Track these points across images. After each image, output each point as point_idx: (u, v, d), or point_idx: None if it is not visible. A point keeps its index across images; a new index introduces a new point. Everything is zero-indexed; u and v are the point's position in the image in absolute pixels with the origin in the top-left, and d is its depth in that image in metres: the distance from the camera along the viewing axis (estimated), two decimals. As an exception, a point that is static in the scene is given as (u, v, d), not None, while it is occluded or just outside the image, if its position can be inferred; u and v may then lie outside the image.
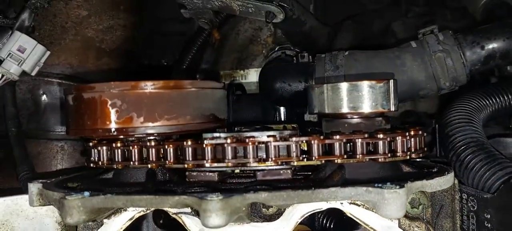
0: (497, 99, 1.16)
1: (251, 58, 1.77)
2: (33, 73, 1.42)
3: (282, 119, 1.40)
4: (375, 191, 0.76)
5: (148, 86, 0.90)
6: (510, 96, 1.13)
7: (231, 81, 1.61)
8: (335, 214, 1.10)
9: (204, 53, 1.71)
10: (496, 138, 1.19)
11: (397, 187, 0.75)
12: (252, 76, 1.75)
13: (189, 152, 0.88)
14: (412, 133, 0.88)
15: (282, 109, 1.39)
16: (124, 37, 1.69)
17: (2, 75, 1.39)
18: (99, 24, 1.64)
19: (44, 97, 1.56)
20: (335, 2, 1.74)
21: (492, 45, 1.14)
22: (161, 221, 1.02)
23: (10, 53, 1.37)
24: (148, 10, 1.90)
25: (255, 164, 0.86)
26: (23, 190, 1.18)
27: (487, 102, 1.16)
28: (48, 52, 1.43)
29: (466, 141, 1.02)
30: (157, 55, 1.95)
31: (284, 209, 0.89)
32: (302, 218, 0.88)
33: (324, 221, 1.13)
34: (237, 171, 0.94)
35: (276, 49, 1.53)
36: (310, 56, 1.34)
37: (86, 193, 0.84)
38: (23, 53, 1.38)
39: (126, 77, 1.65)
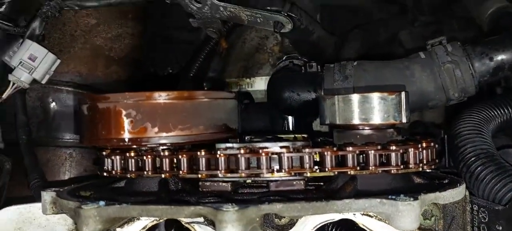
0: (506, 110, 1.17)
1: (257, 67, 1.78)
2: (44, 82, 1.43)
3: (291, 128, 1.41)
4: (389, 203, 0.77)
5: (163, 97, 0.91)
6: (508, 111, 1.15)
7: (239, 90, 1.62)
8: (345, 224, 1.10)
9: (211, 61, 1.72)
10: (505, 149, 1.20)
11: (411, 199, 0.76)
12: (258, 84, 1.76)
13: (202, 162, 0.89)
14: (424, 144, 0.89)
15: (290, 118, 1.40)
16: (132, 46, 1.71)
17: (13, 83, 1.40)
18: (108, 32, 1.66)
19: (53, 105, 1.58)
20: (341, 12, 1.75)
21: (501, 57, 1.14)
22: (172, 230, 1.03)
23: (21, 62, 1.38)
24: (156, 18, 1.92)
25: (268, 175, 0.87)
26: (35, 198, 1.19)
27: (496, 113, 1.17)
28: (59, 61, 1.44)
29: (476, 152, 1.03)
30: (164, 64, 1.97)
31: (297, 220, 0.89)
32: (315, 229, 0.89)
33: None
34: (249, 181, 0.95)
35: (283, 58, 1.54)
36: (319, 66, 1.35)
37: (102, 203, 0.85)
38: (34, 62, 1.39)
39: (134, 86, 1.67)
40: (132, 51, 1.72)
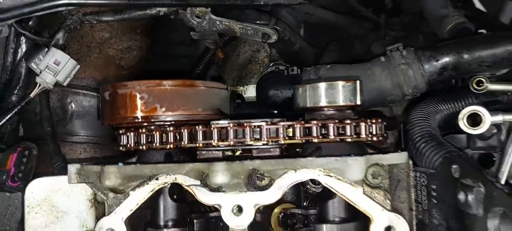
0: (452, 105, 1.42)
1: (250, 76, 2.03)
2: (65, 84, 1.67)
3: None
4: (341, 160, 1.01)
5: (169, 84, 1.16)
6: (458, 104, 1.39)
7: (233, 92, 1.87)
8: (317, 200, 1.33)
9: (209, 70, 1.97)
10: (451, 135, 1.44)
11: (358, 157, 1.00)
12: (251, 91, 2.01)
13: (200, 134, 1.13)
14: (373, 120, 1.14)
15: (275, 113, 1.64)
16: (140, 57, 1.95)
17: (39, 84, 1.65)
18: (119, 44, 1.89)
19: (71, 106, 1.80)
20: (322, 28, 2.01)
21: (445, 59, 1.39)
22: (175, 196, 1.25)
23: (47, 66, 1.62)
24: (160, 34, 2.16)
25: (251, 142, 1.11)
26: (58, 176, 1.42)
27: (443, 107, 1.41)
28: (78, 66, 1.68)
29: (421, 133, 1.27)
30: (166, 75, 2.20)
31: (274, 181, 1.13)
32: (288, 187, 1.12)
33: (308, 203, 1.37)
34: (238, 153, 1.19)
35: (270, 65, 1.80)
36: (299, 70, 1.60)
37: (120, 164, 1.09)
38: (58, 66, 1.63)
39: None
40: (140, 62, 1.95)
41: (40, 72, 1.63)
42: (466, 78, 1.44)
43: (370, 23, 2.05)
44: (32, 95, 1.64)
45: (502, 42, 1.31)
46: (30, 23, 1.69)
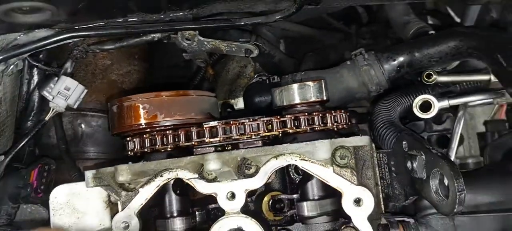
0: (409, 97, 1.65)
1: (239, 90, 2.24)
2: (75, 106, 1.88)
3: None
4: (311, 144, 1.24)
5: (166, 95, 1.40)
6: (416, 96, 1.62)
7: (224, 102, 2.10)
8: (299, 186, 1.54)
9: (202, 86, 2.20)
10: (412, 122, 1.67)
11: (323, 140, 1.23)
12: (241, 103, 2.22)
13: (194, 134, 1.35)
14: (337, 112, 1.37)
15: (260, 117, 1.85)
16: (139, 79, 2.16)
17: (53, 109, 1.87)
18: (120, 70, 2.09)
19: (81, 126, 2.01)
20: (299, 41, 2.25)
21: (400, 58, 1.62)
22: (178, 191, 1.47)
23: (59, 92, 1.84)
24: (156, 59, 2.39)
25: (238, 137, 1.33)
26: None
27: (402, 100, 1.64)
28: (86, 90, 1.91)
29: (383, 121, 1.50)
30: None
31: (260, 168, 1.35)
32: (272, 173, 1.34)
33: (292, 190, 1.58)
34: (228, 148, 1.41)
35: (255, 76, 2.03)
36: (279, 78, 1.83)
37: (130, 163, 1.31)
38: (68, 91, 1.84)
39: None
40: (139, 83, 2.17)
41: (53, 98, 1.84)
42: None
43: (342, 34, 2.29)
44: (47, 118, 1.86)
45: (444, 40, 1.54)
46: (41, 56, 1.93)
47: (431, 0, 2.38)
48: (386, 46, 2.09)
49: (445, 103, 1.50)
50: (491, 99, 1.58)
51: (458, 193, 1.02)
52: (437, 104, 1.48)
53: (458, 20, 2.35)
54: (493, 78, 1.62)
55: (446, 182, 1.13)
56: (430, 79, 1.57)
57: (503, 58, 1.37)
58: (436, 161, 1.11)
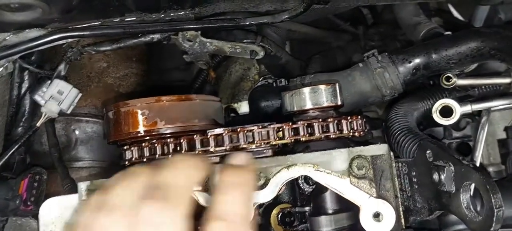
0: (426, 102, 1.55)
1: (242, 93, 2.15)
2: (69, 111, 1.78)
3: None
4: (326, 153, 1.13)
5: (167, 99, 1.28)
6: (433, 100, 1.52)
7: (227, 107, 1.99)
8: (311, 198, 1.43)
9: (203, 90, 2.09)
10: (430, 129, 1.57)
11: (341, 149, 1.12)
12: (244, 107, 2.12)
13: (197, 142, 1.24)
14: (353, 118, 1.26)
15: (267, 123, 1.75)
16: (137, 83, 2.07)
17: (45, 114, 1.76)
18: (117, 73, 2.01)
19: (75, 132, 1.91)
20: (306, 43, 2.15)
21: (417, 60, 1.52)
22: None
23: (51, 96, 1.74)
24: (154, 62, 2.29)
25: (245, 146, 1.22)
26: (69, 196, 1.52)
27: (418, 105, 1.54)
28: (80, 94, 1.80)
29: (400, 127, 1.39)
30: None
31: (270, 180, 1.23)
32: (283, 185, 1.23)
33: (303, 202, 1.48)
34: (234, 157, 1.30)
35: (260, 79, 1.93)
36: (286, 81, 1.72)
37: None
38: (61, 95, 1.74)
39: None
40: (137, 87, 2.08)
41: (45, 102, 1.74)
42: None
43: (349, 35, 2.19)
44: (38, 124, 1.75)
45: (464, 40, 1.45)
46: (33, 58, 1.82)
47: (441, 0, 2.30)
48: (400, 48, 2.01)
49: (468, 108, 1.40)
50: (514, 104, 1.48)
51: (495, 210, 0.92)
52: (459, 110, 1.38)
53: (462, 20, 2.26)
54: (515, 81, 1.52)
55: (479, 195, 1.02)
56: (450, 82, 1.47)
57: (531, 60, 1.26)
58: (468, 173, 1.00)
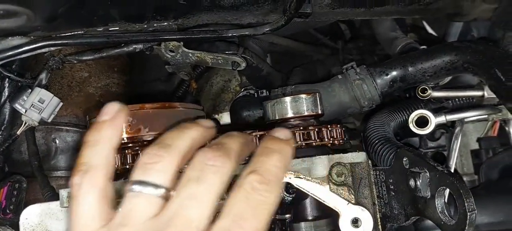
0: (402, 113, 1.60)
1: (223, 104, 2.17)
2: (49, 120, 1.78)
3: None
4: (307, 160, 1.16)
5: (151, 107, 1.30)
6: (409, 111, 1.57)
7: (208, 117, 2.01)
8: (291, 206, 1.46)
9: (185, 100, 2.11)
10: (406, 139, 1.62)
11: (321, 155, 1.15)
12: (225, 118, 2.14)
13: (181, 149, 1.26)
14: (333, 126, 1.30)
15: (248, 133, 1.77)
16: (118, 93, 2.07)
17: (25, 122, 1.75)
18: (98, 82, 2.02)
19: (55, 141, 1.91)
20: (287, 56, 2.20)
21: (393, 73, 1.57)
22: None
23: (32, 104, 1.73)
24: (137, 72, 2.30)
25: (228, 153, 1.24)
26: (49, 204, 1.51)
27: (395, 115, 1.59)
28: (61, 103, 1.80)
29: (378, 137, 1.44)
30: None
31: (251, 187, 1.26)
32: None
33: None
34: (216, 165, 1.32)
35: (242, 90, 1.95)
36: (268, 92, 1.75)
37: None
38: (43, 104, 1.74)
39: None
40: (118, 97, 2.08)
41: (25, 111, 1.73)
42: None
43: (328, 49, 2.25)
44: (18, 132, 1.74)
45: (439, 54, 1.51)
46: (13, 66, 1.81)
47: (416, 17, 2.38)
48: (378, 61, 2.07)
49: (442, 118, 1.45)
50: (486, 115, 1.55)
51: (469, 213, 0.96)
52: (434, 120, 1.43)
53: (437, 36, 2.35)
54: (486, 94, 1.59)
55: (453, 201, 1.06)
56: (425, 94, 1.53)
57: (501, 73, 1.33)
58: (442, 178, 1.05)
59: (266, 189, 0.85)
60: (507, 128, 1.66)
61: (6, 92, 1.81)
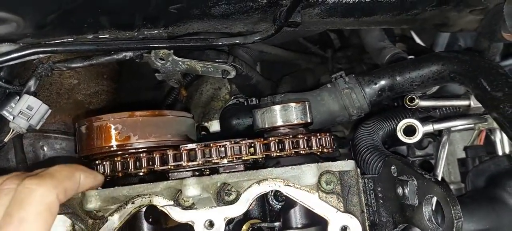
0: (390, 122, 1.62)
1: (213, 112, 2.18)
2: (38, 127, 1.76)
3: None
4: (297, 168, 1.17)
5: (141, 114, 1.30)
6: (397, 120, 1.59)
7: (199, 124, 2.01)
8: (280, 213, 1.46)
9: (174, 107, 2.11)
10: (394, 147, 1.63)
11: (310, 164, 1.15)
12: (215, 126, 2.15)
13: (170, 157, 1.25)
14: (322, 135, 1.31)
15: (238, 140, 1.78)
16: (107, 100, 2.06)
17: (13, 129, 1.73)
18: (87, 90, 2.00)
19: (43, 149, 1.89)
20: (277, 64, 2.21)
21: (382, 82, 1.59)
22: (150, 219, 1.36)
23: (20, 111, 1.71)
24: (126, 79, 2.29)
25: (218, 161, 1.25)
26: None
27: (384, 124, 1.61)
28: (50, 110, 1.77)
29: (366, 145, 1.45)
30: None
31: (241, 195, 1.26)
32: (254, 199, 1.25)
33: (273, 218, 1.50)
34: (207, 172, 1.32)
35: (232, 98, 1.96)
36: (257, 100, 1.76)
37: (100, 188, 1.20)
38: (31, 111, 1.72)
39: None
40: (107, 104, 2.07)
41: (13, 118, 1.71)
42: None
43: (318, 58, 2.27)
44: (6, 139, 1.72)
45: (426, 64, 1.53)
46: (1, 73, 1.79)
47: (404, 27, 2.41)
48: (366, 70, 2.09)
49: (430, 127, 1.47)
50: (472, 125, 1.57)
51: (455, 221, 0.97)
52: (422, 129, 1.45)
53: (424, 46, 2.38)
54: (473, 103, 1.62)
55: (440, 209, 1.08)
56: (413, 103, 1.55)
57: (486, 83, 1.35)
58: (430, 186, 1.06)
59: None
60: (493, 137, 1.68)
61: (-8, 100, 1.79)
